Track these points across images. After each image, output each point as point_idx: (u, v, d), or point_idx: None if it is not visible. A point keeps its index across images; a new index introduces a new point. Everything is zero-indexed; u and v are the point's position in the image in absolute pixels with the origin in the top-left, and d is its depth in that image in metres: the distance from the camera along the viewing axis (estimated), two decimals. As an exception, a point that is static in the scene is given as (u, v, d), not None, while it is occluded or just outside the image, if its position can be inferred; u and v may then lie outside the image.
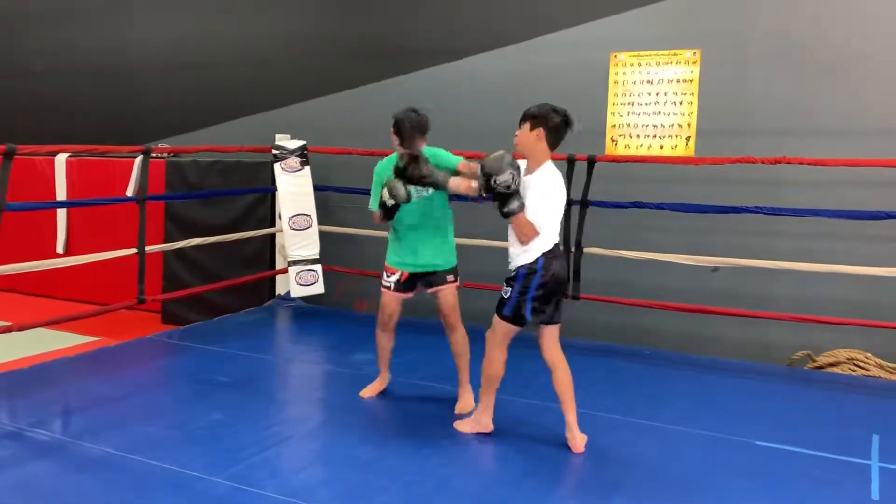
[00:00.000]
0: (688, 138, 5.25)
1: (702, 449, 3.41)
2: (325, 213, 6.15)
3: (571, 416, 3.29)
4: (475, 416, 3.48)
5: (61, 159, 6.86)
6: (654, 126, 5.34)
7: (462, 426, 3.49)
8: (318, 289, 5.77)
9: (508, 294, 3.24)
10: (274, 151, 5.80)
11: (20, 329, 4.22)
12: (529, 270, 3.19)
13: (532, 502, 2.84)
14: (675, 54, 5.25)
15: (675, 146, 5.29)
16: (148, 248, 5.06)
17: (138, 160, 6.09)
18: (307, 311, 5.96)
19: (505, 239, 3.32)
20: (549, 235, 3.21)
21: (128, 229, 5.49)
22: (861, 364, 4.68)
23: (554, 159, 3.28)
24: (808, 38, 4.93)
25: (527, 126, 3.19)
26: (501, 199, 3.13)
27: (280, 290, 6.25)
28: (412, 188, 3.53)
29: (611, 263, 5.15)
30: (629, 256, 5.01)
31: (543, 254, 3.19)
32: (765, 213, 4.66)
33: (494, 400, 3.42)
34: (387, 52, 6.15)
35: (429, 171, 3.39)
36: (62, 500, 2.84)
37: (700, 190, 5.06)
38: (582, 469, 3.19)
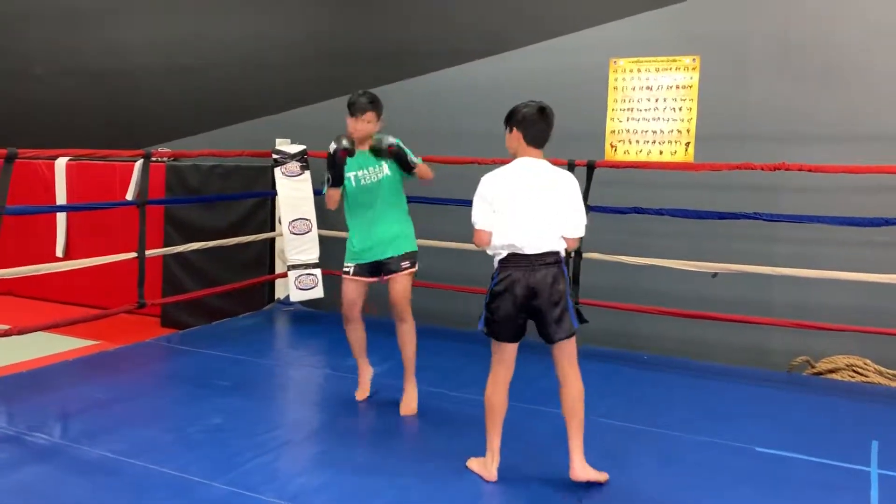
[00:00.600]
0: (687, 144, 5.26)
1: (701, 455, 3.40)
2: (325, 217, 6.14)
3: (573, 443, 3.02)
4: (486, 458, 3.12)
5: (61, 163, 6.86)
6: (654, 132, 5.35)
7: (472, 464, 3.17)
8: (318, 293, 5.77)
9: None
10: (274, 156, 5.80)
11: (19, 332, 4.22)
12: (491, 277, 3.05)
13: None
14: (675, 60, 5.26)
15: (675, 152, 5.30)
16: (148, 252, 5.07)
17: (139, 164, 6.10)
18: (306, 316, 5.96)
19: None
20: (502, 242, 2.97)
21: (128, 233, 5.50)
22: (860, 370, 4.68)
23: (554, 164, 3.26)
24: (807, 44, 4.94)
25: (506, 131, 3.13)
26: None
27: (279, 294, 6.25)
28: (360, 172, 3.74)
29: (610, 269, 5.15)
30: (628, 262, 5.01)
31: (500, 261, 3.01)
32: (764, 220, 4.67)
33: (499, 442, 3.09)
34: (388, 56, 6.16)
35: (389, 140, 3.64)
36: (60, 503, 2.83)
37: (699, 196, 5.07)
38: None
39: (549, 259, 2.97)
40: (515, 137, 3.07)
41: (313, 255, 5.77)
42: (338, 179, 3.68)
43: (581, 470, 3.01)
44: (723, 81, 5.14)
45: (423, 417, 3.77)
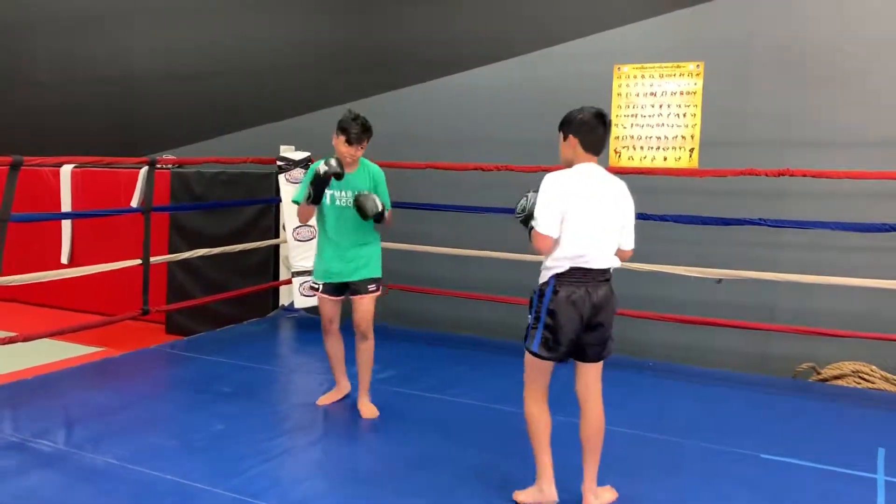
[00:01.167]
0: (691, 150, 5.26)
1: (706, 461, 3.39)
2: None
3: (588, 473, 2.92)
4: (537, 484, 2.95)
5: (66, 170, 6.89)
6: (658, 138, 5.35)
7: (523, 496, 2.97)
8: (322, 300, 5.76)
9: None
10: (278, 162, 5.82)
11: (24, 340, 4.24)
12: (540, 292, 2.84)
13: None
14: (679, 66, 5.27)
15: (679, 158, 5.29)
16: (152, 259, 5.08)
17: (143, 171, 6.13)
18: (310, 322, 5.96)
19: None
20: (568, 253, 2.78)
21: (132, 240, 5.52)
22: (866, 377, 4.66)
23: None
24: (810, 50, 4.94)
25: (560, 137, 2.94)
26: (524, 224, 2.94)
27: (283, 300, 6.26)
28: (337, 193, 3.74)
29: (614, 275, 5.10)
30: (633, 268, 4.99)
31: (556, 275, 2.79)
32: (768, 226, 4.66)
33: (550, 461, 2.92)
34: (391, 63, 6.18)
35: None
36: (64, 510, 2.84)
37: (703, 201, 5.06)
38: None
39: (608, 275, 2.87)
40: (571, 145, 2.88)
41: (317, 261, 5.77)
42: (318, 198, 3.71)
43: (594, 501, 2.94)
44: (727, 87, 5.13)
45: (424, 424, 3.76)
